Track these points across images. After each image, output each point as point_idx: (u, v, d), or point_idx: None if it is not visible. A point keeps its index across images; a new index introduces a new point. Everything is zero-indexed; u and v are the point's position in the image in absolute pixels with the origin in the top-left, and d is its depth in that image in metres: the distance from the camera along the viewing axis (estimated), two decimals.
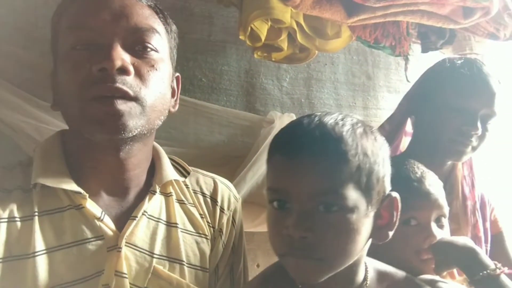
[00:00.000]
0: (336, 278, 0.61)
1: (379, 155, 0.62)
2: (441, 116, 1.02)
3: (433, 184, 0.86)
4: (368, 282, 0.66)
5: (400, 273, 0.71)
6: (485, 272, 0.76)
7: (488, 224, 1.12)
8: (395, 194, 0.64)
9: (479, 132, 1.00)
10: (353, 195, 0.58)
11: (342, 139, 0.59)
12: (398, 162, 0.96)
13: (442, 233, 0.84)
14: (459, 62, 1.07)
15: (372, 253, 0.69)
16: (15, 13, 1.15)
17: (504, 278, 0.77)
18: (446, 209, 0.86)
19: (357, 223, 0.58)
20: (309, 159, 0.58)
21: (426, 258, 0.81)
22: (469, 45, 1.39)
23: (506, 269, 0.80)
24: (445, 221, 0.87)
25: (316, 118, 0.62)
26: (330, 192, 0.58)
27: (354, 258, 0.62)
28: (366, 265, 0.67)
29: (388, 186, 0.64)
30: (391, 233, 0.65)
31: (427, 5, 1.05)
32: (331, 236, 0.58)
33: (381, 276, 0.68)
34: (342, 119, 0.62)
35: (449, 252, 0.80)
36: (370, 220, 0.62)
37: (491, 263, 0.78)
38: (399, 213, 0.65)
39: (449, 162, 1.10)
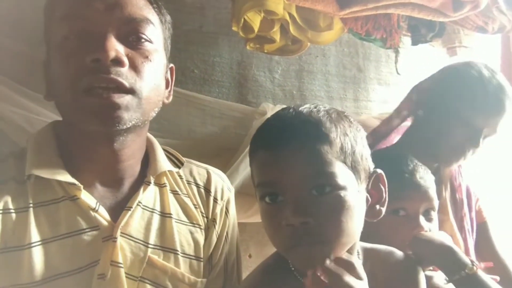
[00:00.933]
0: None
1: (357, 135, 0.65)
2: (449, 122, 1.01)
3: (425, 177, 0.89)
4: (360, 260, 0.68)
5: (382, 247, 0.73)
6: (463, 272, 0.76)
7: (473, 215, 1.15)
8: (379, 171, 0.67)
9: (480, 147, 1.01)
10: (342, 173, 0.60)
11: (321, 123, 0.61)
12: (391, 153, 0.98)
13: (430, 226, 0.86)
14: (486, 74, 1.01)
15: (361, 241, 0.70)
16: (3, 2, 1.13)
17: (480, 273, 0.78)
18: (435, 202, 0.88)
19: (351, 200, 0.60)
20: (293, 147, 0.60)
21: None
22: (458, 38, 1.41)
23: (482, 265, 0.82)
24: (434, 215, 0.89)
25: (291, 110, 0.65)
26: (320, 174, 0.59)
27: (356, 238, 0.64)
28: (358, 248, 0.70)
29: (371, 164, 0.67)
30: (383, 209, 0.67)
31: None
32: (330, 216, 0.59)
33: (367, 253, 0.71)
34: (315, 107, 0.65)
35: (426, 251, 0.79)
36: (362, 198, 0.64)
37: (468, 261, 0.78)
38: (386, 188, 0.68)
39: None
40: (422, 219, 0.85)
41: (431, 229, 0.86)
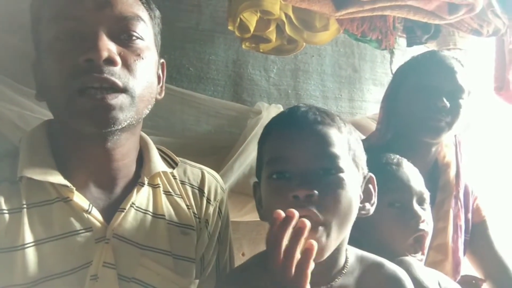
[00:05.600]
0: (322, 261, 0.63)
1: (358, 140, 0.73)
2: (410, 99, 1.10)
3: (409, 168, 0.93)
4: (348, 266, 0.71)
5: (373, 256, 0.75)
6: None
7: (470, 215, 1.15)
8: (371, 174, 0.74)
9: (446, 105, 1.05)
10: (346, 160, 0.67)
11: (333, 116, 0.70)
12: (377, 152, 1.01)
13: (426, 214, 0.89)
14: (418, 55, 1.17)
15: (359, 235, 0.75)
16: None
17: None
18: (426, 194, 0.92)
19: (351, 186, 0.66)
20: (309, 127, 0.67)
21: (411, 240, 0.86)
22: (453, 40, 1.42)
23: None
24: (427, 206, 0.91)
25: (309, 105, 0.72)
26: (328, 155, 0.65)
27: (350, 228, 0.67)
28: (346, 251, 0.72)
29: (366, 168, 0.74)
30: (372, 209, 0.73)
31: (414, 1, 1.06)
32: (333, 195, 0.63)
33: (359, 258, 0.73)
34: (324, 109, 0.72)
35: None
36: (359, 192, 0.69)
37: None
38: (376, 188, 0.74)
39: (433, 149, 1.13)
40: (417, 208, 0.88)
41: (426, 220, 0.89)
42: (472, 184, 1.20)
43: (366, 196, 0.72)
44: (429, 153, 1.13)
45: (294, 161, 0.65)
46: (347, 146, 0.68)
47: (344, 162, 0.66)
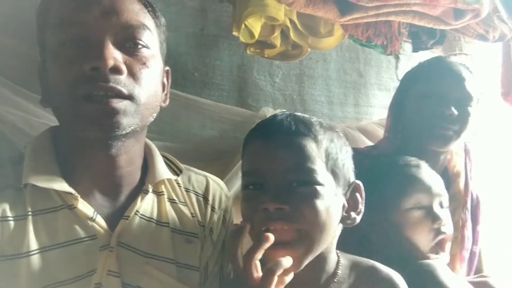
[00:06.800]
0: (307, 265, 0.65)
1: (343, 147, 0.71)
2: (418, 106, 1.08)
3: (429, 170, 0.93)
4: (340, 271, 0.71)
5: (366, 261, 0.75)
6: None
7: (479, 227, 1.12)
8: (358, 182, 0.72)
9: (454, 113, 1.03)
10: (322, 172, 0.65)
11: (312, 124, 0.68)
12: (391, 158, 1.00)
13: (447, 217, 0.90)
14: (425, 61, 1.16)
15: (380, 239, 0.77)
16: (4, 2, 1.13)
17: None
18: (445, 196, 0.92)
19: (328, 198, 0.65)
20: (282, 140, 0.65)
21: (435, 241, 0.87)
22: (459, 46, 1.41)
23: None
24: (446, 209, 0.92)
25: (287, 112, 0.72)
26: (302, 168, 0.64)
27: (330, 239, 0.67)
28: (338, 255, 0.72)
29: (352, 176, 0.72)
30: (358, 218, 0.71)
31: (419, 6, 1.06)
32: (304, 205, 0.63)
33: (353, 264, 0.73)
34: (310, 117, 0.71)
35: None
36: (338, 201, 0.68)
37: None
38: (363, 196, 0.72)
39: (442, 157, 1.12)
40: (439, 210, 0.88)
41: (447, 223, 0.89)
42: (483, 194, 1.18)
43: (353, 205, 0.71)
44: (437, 162, 1.11)
45: (267, 174, 0.65)
46: (324, 156, 0.66)
47: (320, 174, 0.64)
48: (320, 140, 0.66)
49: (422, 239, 0.86)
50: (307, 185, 0.64)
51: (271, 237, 0.60)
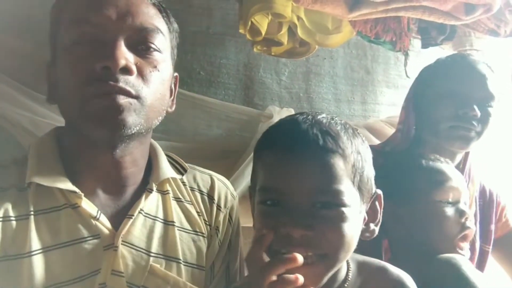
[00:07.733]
0: None
1: (367, 155, 0.65)
2: (438, 104, 1.04)
3: (451, 166, 0.95)
4: (350, 276, 0.68)
5: (375, 262, 0.73)
6: None
7: (492, 226, 1.10)
8: (379, 192, 0.68)
9: (477, 114, 1.00)
10: (349, 192, 0.60)
11: (339, 136, 0.60)
12: (410, 157, 1.00)
13: (470, 212, 0.91)
14: (445, 57, 1.12)
15: (406, 233, 0.78)
16: (10, 2, 1.13)
17: None
18: (466, 192, 0.93)
19: (353, 219, 0.60)
20: (308, 156, 0.58)
21: (461, 235, 0.87)
22: (469, 41, 1.39)
23: None
24: (467, 204, 0.93)
25: (309, 116, 0.63)
26: (328, 191, 0.58)
27: (347, 257, 0.64)
28: (348, 260, 0.69)
29: (374, 186, 0.67)
30: (377, 229, 0.68)
31: (429, 1, 1.04)
32: (330, 231, 0.58)
33: (360, 266, 0.71)
34: (332, 119, 0.64)
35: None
36: (361, 217, 0.64)
37: None
38: (382, 205, 0.68)
39: (458, 156, 1.08)
40: (463, 205, 0.90)
41: (470, 218, 0.90)
42: (499, 192, 1.16)
43: (372, 215, 0.67)
44: (453, 161, 1.07)
45: (288, 192, 0.59)
46: (352, 174, 0.60)
47: (346, 195, 0.59)
48: (348, 155, 0.60)
49: (450, 232, 0.87)
50: (332, 208, 0.58)
51: (300, 259, 0.55)
